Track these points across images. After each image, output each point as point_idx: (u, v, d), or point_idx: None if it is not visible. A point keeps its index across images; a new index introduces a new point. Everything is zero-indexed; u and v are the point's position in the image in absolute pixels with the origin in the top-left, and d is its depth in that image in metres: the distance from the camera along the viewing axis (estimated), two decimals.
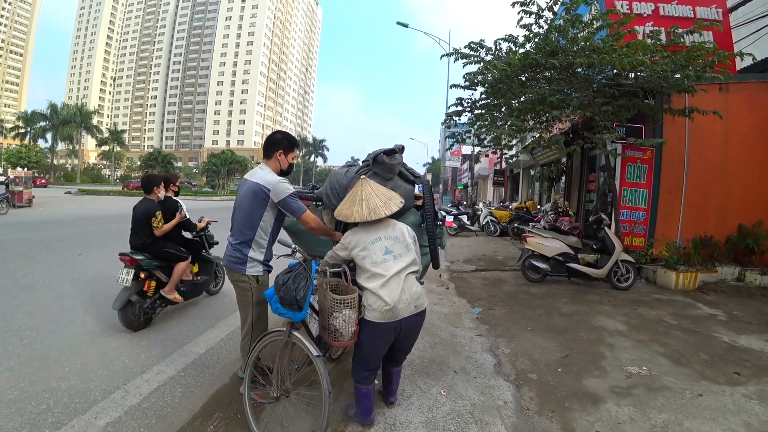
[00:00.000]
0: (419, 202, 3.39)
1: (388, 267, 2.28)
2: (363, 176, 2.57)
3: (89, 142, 69.60)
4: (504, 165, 14.85)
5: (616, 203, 6.67)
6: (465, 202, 21.10)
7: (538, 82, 6.40)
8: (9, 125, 51.44)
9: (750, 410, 2.67)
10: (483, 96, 6.70)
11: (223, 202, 26.24)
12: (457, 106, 6.91)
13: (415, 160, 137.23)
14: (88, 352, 3.38)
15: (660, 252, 6.47)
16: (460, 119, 7.11)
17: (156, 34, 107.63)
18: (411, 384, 3.00)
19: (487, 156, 26.00)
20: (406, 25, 20.99)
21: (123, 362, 3.24)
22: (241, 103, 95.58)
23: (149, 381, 2.96)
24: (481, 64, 6.20)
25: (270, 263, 2.67)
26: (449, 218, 4.13)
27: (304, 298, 2.24)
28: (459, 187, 40.56)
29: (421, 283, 3.05)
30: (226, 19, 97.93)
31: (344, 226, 2.78)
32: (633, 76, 5.75)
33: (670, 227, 6.77)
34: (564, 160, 11.45)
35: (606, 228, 6.09)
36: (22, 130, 48.57)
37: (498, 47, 6.21)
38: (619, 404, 2.71)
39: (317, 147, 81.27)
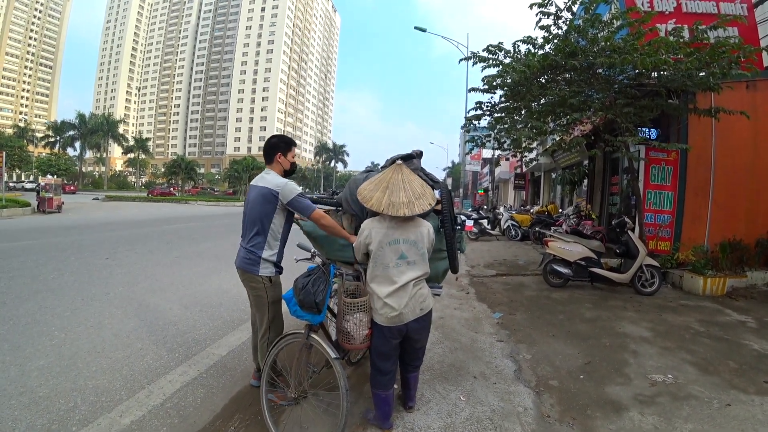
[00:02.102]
0: (439, 207, 3.42)
1: (400, 273, 2.26)
2: (400, 161, 2.50)
3: (116, 150, 72.07)
4: (525, 168, 14.69)
5: (639, 206, 6.52)
6: (486, 206, 20.91)
7: (558, 84, 6.33)
8: (40, 135, 53.84)
9: None
10: (502, 99, 6.67)
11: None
12: (476, 110, 6.88)
13: (435, 165, 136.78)
14: (114, 353, 3.49)
15: (686, 256, 6.26)
16: (479, 123, 7.08)
17: (178, 45, 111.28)
18: (430, 389, 2.99)
19: (507, 159, 25.81)
20: (424, 30, 21.04)
21: (147, 363, 3.33)
22: (262, 110, 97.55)
23: (172, 382, 3.03)
24: (500, 67, 6.19)
25: (281, 264, 2.75)
26: (469, 223, 4.09)
27: (323, 301, 2.29)
28: (480, 191, 40.21)
29: (440, 287, 3.08)
30: (246, 29, 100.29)
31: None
32: (656, 75, 5.62)
33: (697, 230, 6.56)
34: (586, 162, 11.24)
35: (629, 231, 5.96)
36: (52, 139, 50.85)
37: (517, 49, 6.18)
38: (643, 413, 2.65)
39: (337, 152, 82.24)
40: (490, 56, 6.34)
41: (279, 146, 2.78)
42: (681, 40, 5.38)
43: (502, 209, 15.36)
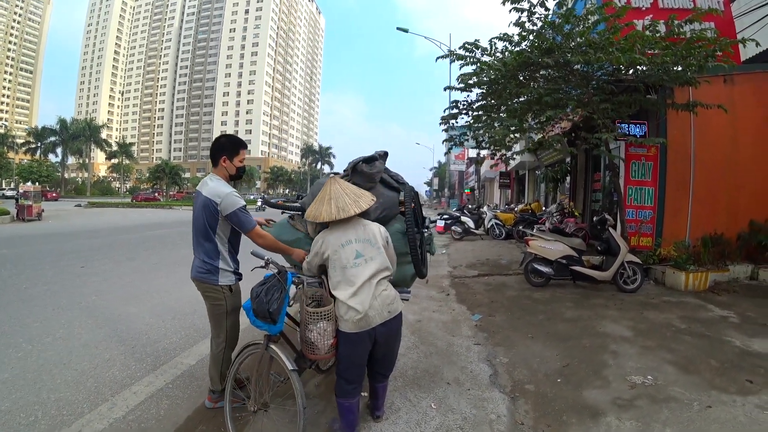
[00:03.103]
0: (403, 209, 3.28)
1: (359, 273, 2.22)
2: (332, 175, 2.47)
3: (99, 156, 70.83)
4: (507, 167, 14.67)
5: (621, 202, 6.46)
6: (471, 206, 20.89)
7: (537, 81, 6.25)
8: (20, 141, 52.65)
9: (763, 422, 2.47)
10: (480, 97, 6.56)
11: None
12: (452, 109, 6.77)
13: (422, 165, 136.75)
14: (80, 364, 3.39)
15: (668, 252, 6.23)
16: (456, 122, 6.97)
17: (162, 48, 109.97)
18: (401, 396, 2.87)
19: (492, 158, 25.92)
20: (406, 30, 20.99)
21: (113, 374, 3.23)
22: (248, 113, 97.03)
23: (137, 393, 2.94)
24: (477, 65, 6.09)
25: (239, 271, 2.64)
26: (440, 223, 3.96)
27: (277, 310, 2.20)
28: (466, 191, 40.36)
29: (408, 292, 2.94)
30: (230, 31, 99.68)
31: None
32: (633, 71, 5.56)
33: (678, 226, 6.53)
34: (568, 160, 11.23)
35: (610, 228, 5.89)
36: (33, 146, 49.89)
37: (494, 47, 6.08)
38: (621, 418, 2.54)
39: (324, 154, 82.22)
40: (468, 54, 6.23)
41: (225, 148, 2.57)
42: (657, 35, 5.32)
43: (485, 208, 15.30)
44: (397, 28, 20.78)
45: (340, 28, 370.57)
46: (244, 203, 2.52)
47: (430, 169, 72.61)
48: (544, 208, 12.73)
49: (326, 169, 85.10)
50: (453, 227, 13.43)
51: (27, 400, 2.80)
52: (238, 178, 2.66)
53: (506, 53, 5.79)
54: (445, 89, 6.48)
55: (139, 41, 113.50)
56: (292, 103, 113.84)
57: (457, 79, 6.16)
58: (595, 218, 6.31)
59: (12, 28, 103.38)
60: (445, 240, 12.98)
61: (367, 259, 2.25)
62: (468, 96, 6.64)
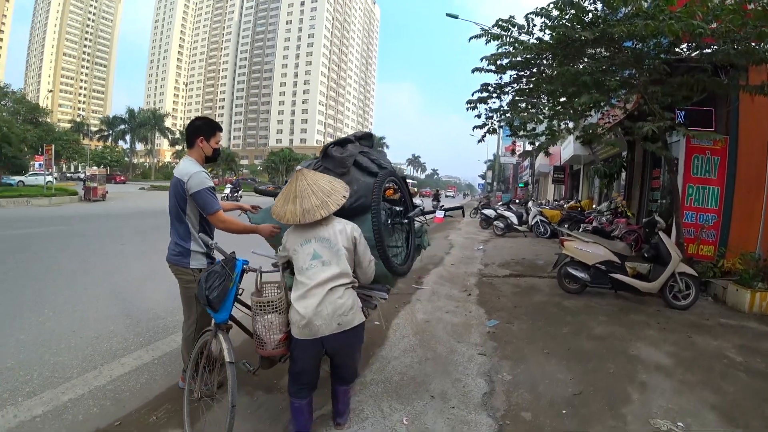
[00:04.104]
0: (396, 196, 2.96)
1: (313, 275, 2.03)
2: (299, 168, 2.22)
3: (164, 143, 75.88)
4: (535, 156, 13.60)
5: (677, 203, 5.55)
6: (518, 201, 19.80)
7: (581, 62, 5.49)
8: (94, 129, 58.19)
9: None
10: (512, 79, 5.88)
11: None
12: (481, 92, 6.15)
13: (477, 158, 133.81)
14: (85, 334, 3.61)
15: (733, 264, 5.24)
16: (489, 106, 6.32)
17: (222, 41, 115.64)
18: (374, 405, 2.58)
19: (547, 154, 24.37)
20: (456, 17, 19.91)
21: (111, 345, 3.42)
22: (303, 102, 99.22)
23: (123, 365, 3.09)
24: (514, 45, 5.46)
25: (214, 257, 2.58)
26: (439, 213, 3.52)
27: (218, 298, 2.12)
28: (520, 186, 38.75)
29: (385, 291, 2.60)
30: (287, 23, 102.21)
31: None
32: (695, 48, 4.63)
33: (748, 233, 5.49)
34: (625, 153, 10.08)
35: (661, 233, 5.08)
36: (105, 133, 54.57)
37: (531, 23, 5.40)
38: None
39: (377, 145, 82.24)
40: (503, 33, 5.62)
41: (201, 129, 2.56)
42: (726, 2, 4.35)
43: (530, 204, 14.38)
44: (447, 14, 19.85)
45: (396, 18, 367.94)
46: (213, 185, 2.46)
47: (486, 162, 70.27)
48: (594, 207, 11.63)
49: None
50: (495, 222, 12.90)
51: (30, 360, 3.05)
52: (213, 160, 2.65)
53: (545, 30, 5.12)
54: (473, 72, 5.89)
55: (201, 35, 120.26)
56: (348, 93, 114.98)
57: (482, 60, 5.55)
58: (644, 220, 5.46)
59: (87, 26, 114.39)
60: (486, 235, 12.45)
61: (324, 262, 2.05)
62: (500, 78, 6.01)
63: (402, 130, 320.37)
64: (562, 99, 6.05)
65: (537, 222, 12.28)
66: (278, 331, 2.09)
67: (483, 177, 72.17)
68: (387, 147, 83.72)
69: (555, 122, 6.21)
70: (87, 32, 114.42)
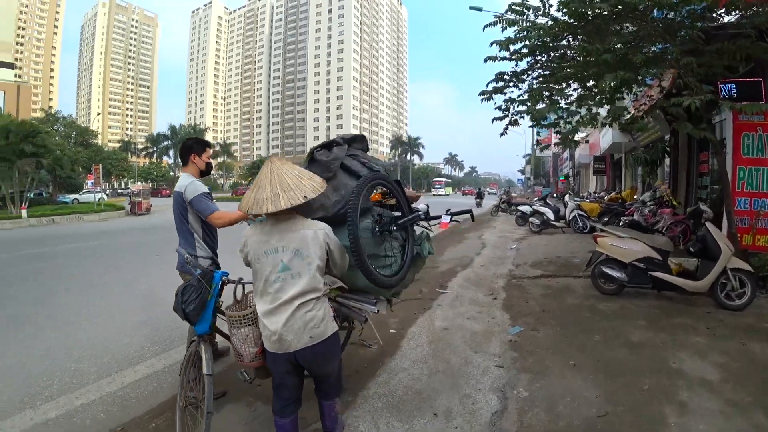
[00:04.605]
0: (392, 201, 2.76)
1: (281, 289, 1.88)
2: (272, 156, 2.16)
3: None
4: (564, 148, 12.76)
5: (726, 189, 4.91)
6: (555, 195, 18.87)
7: (606, 42, 5.00)
8: (141, 146, 62.02)
9: None
10: (530, 65, 5.45)
11: None
12: (497, 82, 5.75)
13: (515, 152, 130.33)
14: (105, 343, 3.84)
15: None
16: (505, 95, 5.90)
17: (256, 55, 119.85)
18: (371, 422, 2.43)
19: (586, 142, 23.09)
20: (480, 9, 19.42)
21: (128, 353, 3.59)
22: (338, 108, 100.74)
23: (136, 372, 3.23)
24: (531, 30, 5.07)
25: (218, 261, 2.88)
26: (445, 218, 3.22)
27: (195, 311, 2.13)
28: (560, 179, 37.35)
29: (373, 304, 2.43)
30: (316, 31, 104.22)
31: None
32: (736, 12, 4.03)
33: None
34: (667, 137, 9.22)
35: (708, 223, 4.51)
36: (150, 150, 57.73)
37: (546, 3, 5.00)
38: None
39: (413, 145, 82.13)
40: (519, 17, 5.25)
41: (193, 148, 2.85)
42: None
43: (567, 197, 13.59)
44: (471, 8, 19.35)
45: (424, 16, 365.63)
46: (207, 190, 2.71)
47: (524, 156, 68.19)
48: (636, 197, 10.76)
49: (416, 160, 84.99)
50: (531, 219, 12.31)
51: (53, 368, 3.29)
52: (207, 173, 2.92)
53: (562, 9, 4.69)
54: (485, 61, 5.52)
55: (235, 51, 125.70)
56: (380, 96, 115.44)
57: (492, 44, 5.16)
58: (688, 209, 4.87)
59: (130, 51, 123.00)
60: (521, 233, 11.90)
61: (293, 275, 1.88)
62: (516, 65, 5.59)
63: (437, 130, 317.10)
64: (589, 83, 5.56)
65: (574, 216, 11.56)
66: (253, 344, 2.06)
67: (522, 172, 70.18)
68: (422, 147, 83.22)
69: (582, 109, 5.70)
70: (130, 57, 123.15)
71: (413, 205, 2.99)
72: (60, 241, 10.65)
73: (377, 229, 2.40)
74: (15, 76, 41.84)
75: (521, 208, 13.50)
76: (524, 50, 5.18)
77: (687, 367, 3.02)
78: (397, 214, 2.69)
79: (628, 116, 6.23)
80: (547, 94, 5.36)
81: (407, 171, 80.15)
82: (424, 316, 4.42)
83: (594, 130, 17.59)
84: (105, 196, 22.31)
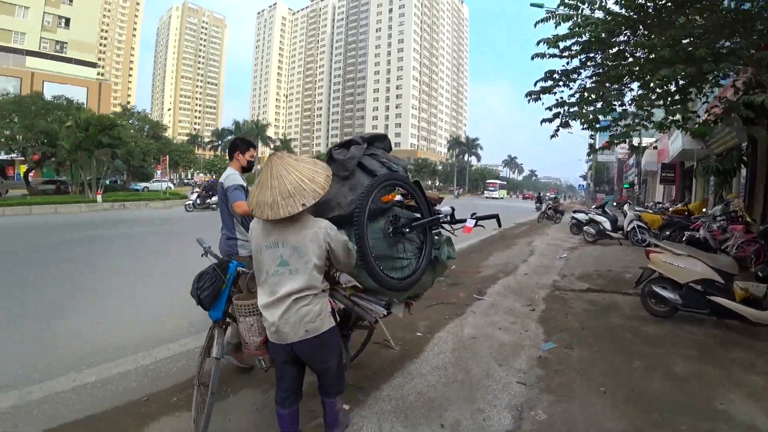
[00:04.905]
0: (411, 202, 2.71)
1: (279, 284, 1.93)
2: (272, 154, 2.11)
3: (267, 150, 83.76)
4: (653, 157, 11.75)
5: None
6: (615, 204, 17.61)
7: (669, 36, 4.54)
8: (207, 140, 66.75)
9: None
10: (582, 62, 5.06)
11: None
12: (545, 81, 5.41)
13: (578, 157, 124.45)
14: (145, 323, 4.22)
15: None
16: (555, 94, 5.51)
17: (317, 54, 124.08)
18: (375, 424, 2.42)
19: (655, 148, 21.30)
20: (541, 6, 18.58)
21: (167, 330, 3.96)
22: (397, 107, 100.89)
23: (170, 349, 3.51)
24: (588, 26, 4.73)
25: None
26: (470, 222, 2.99)
27: (208, 298, 2.28)
28: (625, 186, 35.16)
29: (382, 305, 2.38)
30: (377, 31, 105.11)
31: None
32: None
33: None
34: (744, 145, 8.21)
35: None
36: (215, 143, 61.50)
37: None
38: None
39: (470, 146, 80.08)
40: (573, 11, 4.93)
41: (238, 146, 3.21)
42: None
43: (626, 207, 12.63)
44: (531, 4, 18.56)
45: (485, 14, 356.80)
46: (242, 183, 3.00)
47: (587, 161, 64.60)
48: (705, 210, 9.73)
49: (474, 161, 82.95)
50: (586, 228, 11.63)
51: (101, 337, 3.78)
52: (248, 170, 3.23)
53: (621, 2, 4.33)
54: (533, 58, 5.21)
55: (298, 50, 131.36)
56: (440, 95, 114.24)
57: (538, 43, 4.86)
58: (761, 227, 4.30)
59: (200, 51, 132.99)
60: (574, 242, 11.33)
61: (291, 270, 1.92)
62: (568, 63, 5.22)
63: (497, 131, 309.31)
64: (651, 83, 5.09)
65: (633, 228, 10.70)
66: (257, 334, 2.15)
67: (584, 177, 66.46)
68: (480, 149, 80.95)
69: (639, 110, 5.22)
70: (200, 56, 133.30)
71: (437, 208, 2.92)
72: (122, 226, 11.96)
73: (390, 231, 2.35)
74: (97, 74, 46.35)
75: (577, 215, 12.75)
76: (575, 47, 4.84)
77: (735, 411, 2.65)
78: (416, 215, 2.63)
79: (698, 120, 5.62)
80: (599, 94, 4.96)
81: (464, 172, 78.23)
82: (455, 322, 4.33)
83: (663, 136, 16.19)
84: (171, 186, 24.19)
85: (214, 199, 26.21)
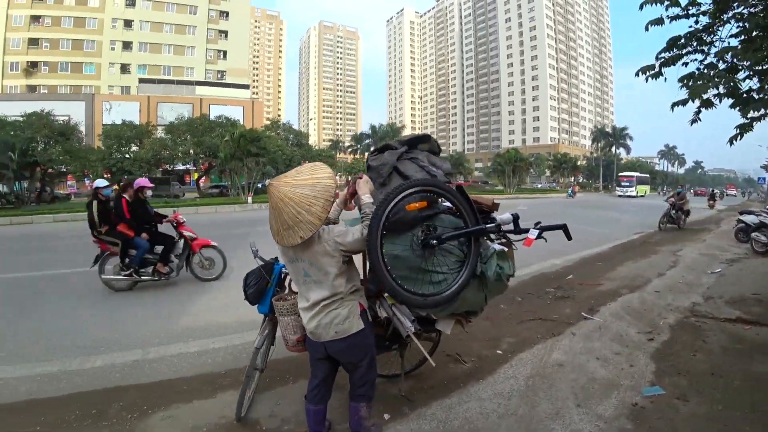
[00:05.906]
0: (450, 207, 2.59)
1: (309, 291, 2.11)
2: (269, 180, 2.22)
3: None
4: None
5: None
6: None
7: None
8: (347, 144, 73.59)
9: None
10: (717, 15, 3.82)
11: (508, 200, 28.20)
12: (669, 51, 4.20)
13: (759, 142, 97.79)
14: (210, 317, 4.79)
15: None
16: (686, 65, 4.26)
17: (448, 53, 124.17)
18: None
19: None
20: None
21: (226, 324, 4.49)
22: (533, 100, 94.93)
23: (225, 341, 3.99)
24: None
25: None
26: (532, 233, 2.32)
27: (253, 294, 2.57)
28: None
29: (409, 321, 2.34)
30: (506, 21, 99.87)
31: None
32: None
33: None
34: None
35: None
36: (355, 147, 66.93)
37: None
38: None
39: (618, 137, 68.02)
40: None
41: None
42: None
43: None
44: None
45: None
46: None
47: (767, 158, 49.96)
48: None
49: (622, 153, 71.11)
50: (754, 234, 8.87)
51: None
52: None
53: None
54: (647, 28, 4.06)
55: (429, 51, 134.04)
56: (581, 83, 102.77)
57: (641, 7, 3.83)
58: None
59: (338, 63, 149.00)
60: (737, 252, 8.88)
61: (315, 281, 2.07)
62: (697, 22, 4.05)
63: (651, 118, 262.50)
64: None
65: None
66: (293, 332, 2.34)
67: (766, 168, 50.98)
68: (630, 139, 68.20)
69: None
70: (338, 68, 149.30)
71: (494, 215, 2.61)
72: (250, 226, 13.13)
73: (419, 242, 2.24)
74: (252, 94, 56.47)
75: (745, 218, 9.86)
76: None
77: None
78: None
79: None
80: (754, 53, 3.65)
81: (611, 166, 67.02)
82: (545, 343, 3.79)
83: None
84: None
85: None
